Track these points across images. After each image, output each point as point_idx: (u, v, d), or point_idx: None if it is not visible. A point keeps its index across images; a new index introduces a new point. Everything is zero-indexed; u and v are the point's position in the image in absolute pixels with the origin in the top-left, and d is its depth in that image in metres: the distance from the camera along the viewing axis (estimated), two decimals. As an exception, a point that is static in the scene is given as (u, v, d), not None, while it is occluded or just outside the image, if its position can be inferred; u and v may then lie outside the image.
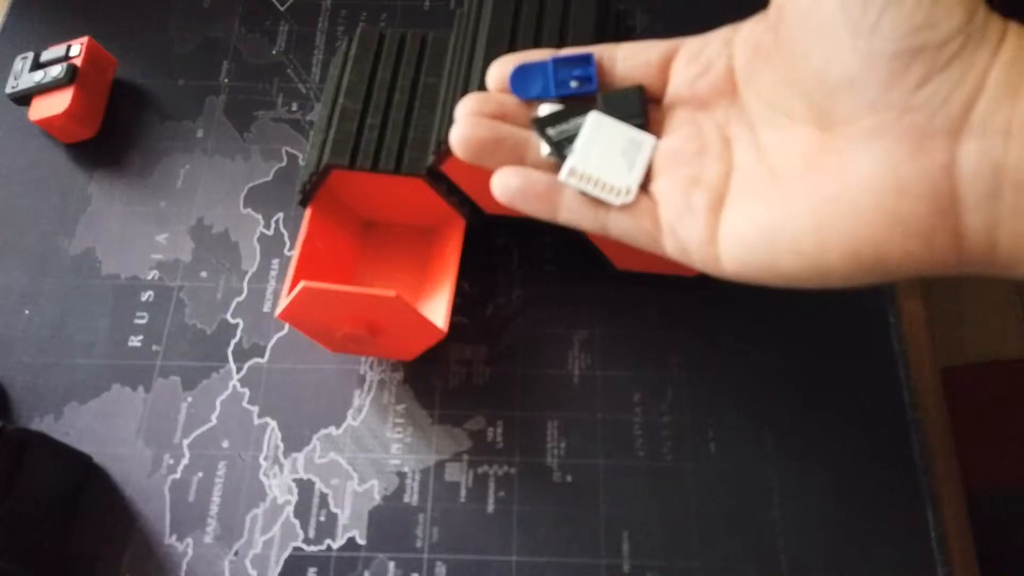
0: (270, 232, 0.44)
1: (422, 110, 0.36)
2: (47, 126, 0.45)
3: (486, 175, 0.36)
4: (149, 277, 0.43)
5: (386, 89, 0.36)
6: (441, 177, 0.36)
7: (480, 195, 0.38)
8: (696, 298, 0.42)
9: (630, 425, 0.39)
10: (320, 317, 0.36)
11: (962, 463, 0.39)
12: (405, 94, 0.36)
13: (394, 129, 0.36)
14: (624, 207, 0.27)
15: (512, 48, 0.33)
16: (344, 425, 0.40)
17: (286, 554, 0.37)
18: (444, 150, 0.34)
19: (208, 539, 0.37)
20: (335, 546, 0.37)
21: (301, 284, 0.33)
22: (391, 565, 0.37)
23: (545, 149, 0.28)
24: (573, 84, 0.28)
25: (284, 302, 0.35)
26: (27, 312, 0.43)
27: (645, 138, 0.28)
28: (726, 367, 0.41)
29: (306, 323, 0.37)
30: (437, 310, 0.38)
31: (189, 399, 0.40)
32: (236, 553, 0.37)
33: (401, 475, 0.39)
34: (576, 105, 0.28)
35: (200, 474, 0.39)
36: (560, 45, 0.33)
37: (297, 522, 0.38)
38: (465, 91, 0.33)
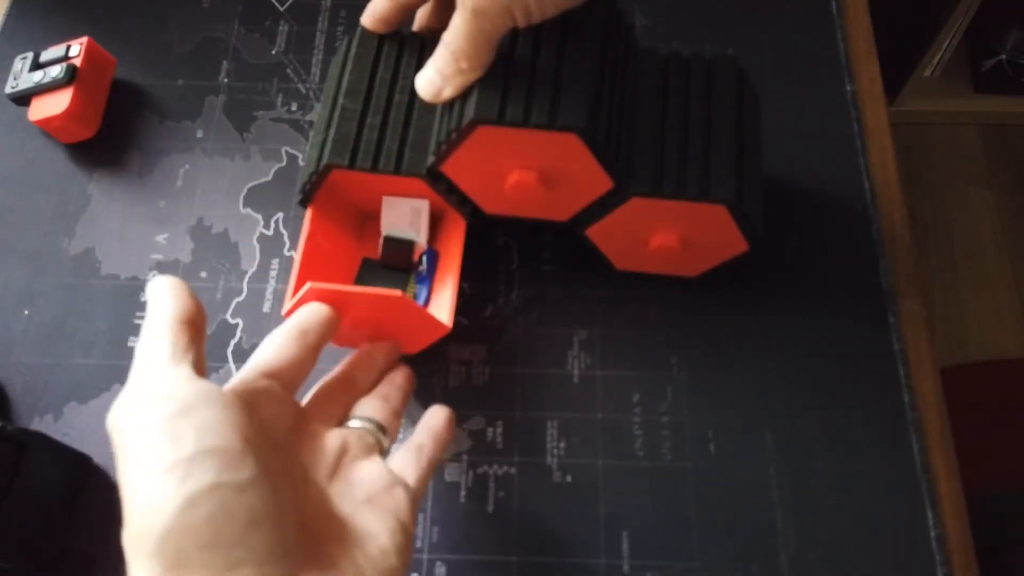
0: (270, 232, 0.44)
1: (422, 110, 0.36)
2: (47, 126, 0.45)
3: (486, 175, 0.36)
4: (149, 277, 0.43)
5: (386, 89, 0.36)
6: (441, 177, 0.36)
7: (480, 195, 0.38)
8: (696, 298, 0.42)
9: (630, 425, 0.39)
10: None
11: (962, 463, 0.39)
12: (405, 94, 0.36)
13: (394, 129, 0.36)
14: None
15: (512, 46, 0.33)
16: (344, 425, 0.40)
17: (286, 554, 0.37)
18: (444, 150, 0.34)
19: (208, 539, 0.37)
20: (335, 546, 0.37)
21: (307, 285, 0.33)
22: (391, 565, 0.37)
23: None
24: None
25: (290, 302, 0.35)
26: (27, 312, 0.43)
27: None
28: (726, 367, 0.41)
29: None
30: (442, 306, 0.38)
31: (189, 399, 0.40)
32: (236, 553, 0.37)
33: (401, 475, 0.39)
34: None
35: (200, 474, 0.39)
36: (562, 43, 0.33)
37: (297, 522, 0.38)
38: (465, 91, 0.33)
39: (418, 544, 0.37)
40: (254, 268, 0.43)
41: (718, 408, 0.40)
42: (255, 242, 0.44)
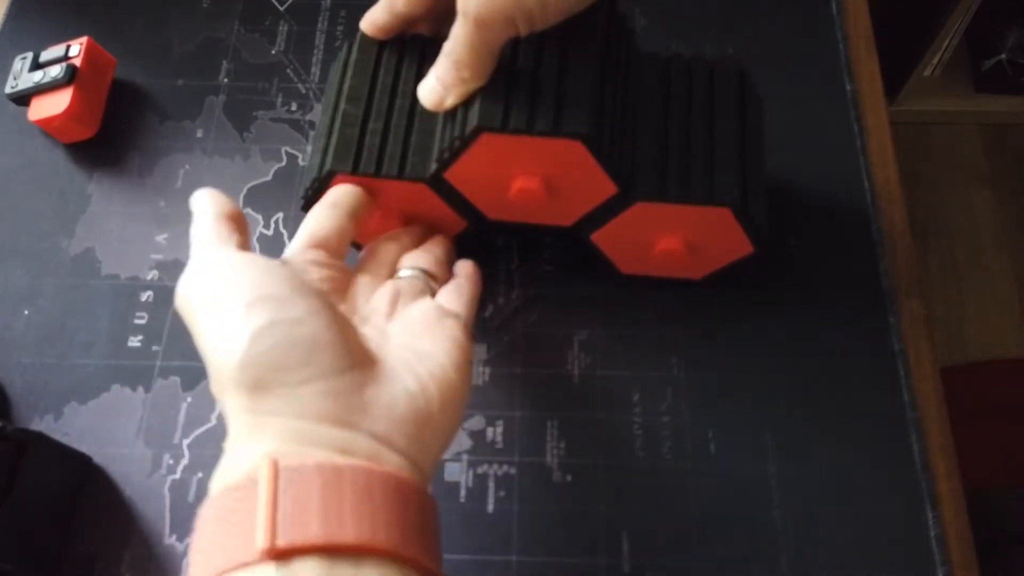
0: (270, 232, 0.44)
1: (424, 114, 0.36)
2: (47, 126, 0.45)
3: (489, 182, 0.36)
4: (149, 277, 0.43)
5: (388, 94, 0.36)
6: (443, 183, 0.36)
7: (483, 201, 0.38)
8: (696, 298, 0.42)
9: (630, 425, 0.39)
10: None
11: (962, 462, 0.39)
12: (407, 99, 0.36)
13: (396, 134, 0.36)
14: None
15: (514, 53, 0.33)
16: (344, 425, 0.40)
17: (286, 554, 0.37)
18: (447, 158, 0.34)
19: (208, 539, 0.37)
20: (335, 546, 0.37)
21: (336, 180, 0.35)
22: (391, 565, 0.37)
23: None
24: None
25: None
26: (27, 312, 0.43)
27: None
28: (726, 367, 0.41)
29: None
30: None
31: (189, 399, 0.40)
32: (236, 553, 0.37)
33: (401, 475, 0.39)
34: None
35: (200, 474, 0.39)
36: (564, 49, 0.33)
37: (297, 522, 0.38)
38: (468, 98, 0.33)
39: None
40: (254, 268, 0.43)
41: (718, 408, 0.40)
42: (255, 242, 0.44)
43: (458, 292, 0.35)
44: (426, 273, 0.35)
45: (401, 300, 0.32)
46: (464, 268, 0.37)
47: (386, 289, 0.33)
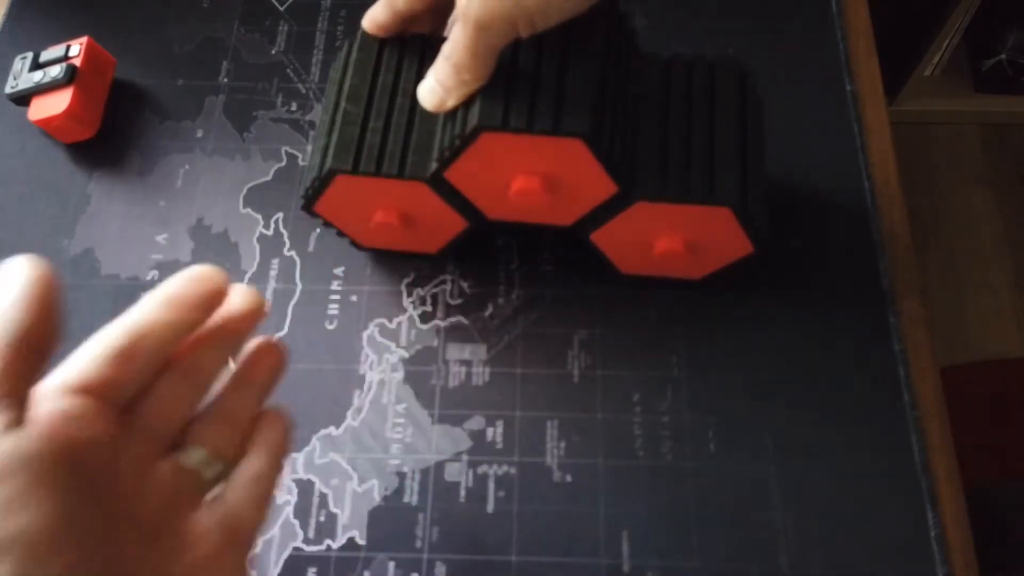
0: (270, 232, 0.44)
1: (424, 113, 0.36)
2: (47, 126, 0.45)
3: (489, 181, 0.36)
4: (149, 277, 0.43)
5: (388, 93, 0.36)
6: (443, 182, 0.36)
7: (483, 201, 0.38)
8: (696, 298, 0.42)
9: (630, 425, 0.39)
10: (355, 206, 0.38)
11: (962, 462, 0.39)
12: (407, 98, 0.36)
13: (396, 133, 0.36)
14: None
15: (515, 53, 0.33)
16: (344, 425, 0.40)
17: (286, 554, 0.37)
18: (448, 157, 0.34)
19: (208, 539, 0.37)
20: (335, 546, 0.37)
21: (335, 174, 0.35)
22: (391, 565, 0.37)
23: None
24: None
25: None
26: (27, 312, 0.42)
27: None
28: (726, 367, 0.41)
29: (340, 214, 0.39)
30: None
31: (189, 399, 0.40)
32: (236, 553, 0.37)
33: (401, 475, 0.39)
34: None
35: (200, 474, 0.39)
36: (564, 49, 0.33)
37: (297, 522, 0.38)
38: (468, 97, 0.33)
39: (418, 544, 0.37)
40: (254, 268, 0.43)
41: (718, 408, 0.40)
42: (255, 242, 0.44)
43: (255, 489, 0.26)
44: (218, 457, 0.26)
45: (181, 505, 0.24)
46: (272, 435, 0.27)
47: (164, 479, 0.24)
